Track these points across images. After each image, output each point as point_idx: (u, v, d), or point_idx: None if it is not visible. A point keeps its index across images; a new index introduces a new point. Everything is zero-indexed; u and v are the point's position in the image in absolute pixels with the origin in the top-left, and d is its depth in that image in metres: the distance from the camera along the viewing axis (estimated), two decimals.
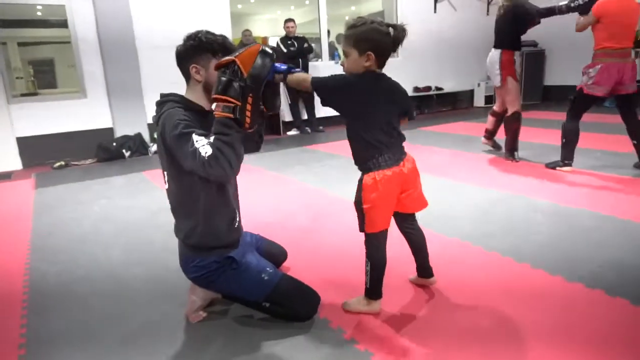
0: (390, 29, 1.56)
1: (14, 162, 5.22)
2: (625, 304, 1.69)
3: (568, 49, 8.22)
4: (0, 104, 5.06)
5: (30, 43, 8.88)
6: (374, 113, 1.61)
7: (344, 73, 1.63)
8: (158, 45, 5.74)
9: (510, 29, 4.01)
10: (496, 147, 4.55)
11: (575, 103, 3.70)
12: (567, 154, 3.70)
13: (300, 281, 1.75)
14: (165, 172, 1.63)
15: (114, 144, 5.50)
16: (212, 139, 1.42)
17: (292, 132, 6.78)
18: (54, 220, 3.17)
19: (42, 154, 5.33)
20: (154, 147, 5.74)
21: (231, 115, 1.42)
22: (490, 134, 4.54)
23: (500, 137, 4.40)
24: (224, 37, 1.64)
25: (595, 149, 4.38)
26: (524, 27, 4.05)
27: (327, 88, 1.61)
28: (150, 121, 5.78)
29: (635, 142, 3.59)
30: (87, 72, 5.50)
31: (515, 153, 4.14)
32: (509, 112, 4.11)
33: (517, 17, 3.93)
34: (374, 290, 1.72)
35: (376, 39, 1.54)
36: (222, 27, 6.25)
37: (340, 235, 2.54)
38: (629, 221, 2.49)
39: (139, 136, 5.69)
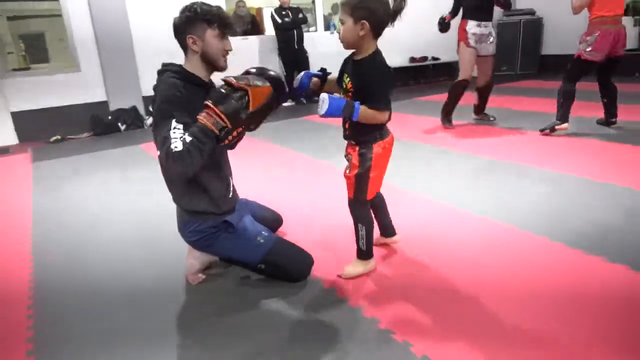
0: (391, 2, 1.56)
1: (10, 137, 5.23)
2: (600, 261, 1.78)
3: (566, 17, 8.13)
4: None
5: (19, 17, 8.72)
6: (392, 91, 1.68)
7: (382, 72, 1.61)
8: (151, 15, 5.68)
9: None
10: (487, 118, 4.63)
11: (572, 69, 3.83)
12: (563, 115, 3.82)
13: (294, 244, 1.83)
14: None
15: (109, 117, 5.51)
16: (187, 136, 1.45)
17: (288, 103, 6.78)
18: (53, 192, 3.23)
19: (38, 128, 5.32)
20: (149, 120, 5.75)
21: (217, 132, 1.48)
22: (478, 109, 4.63)
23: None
24: (219, 7, 1.66)
25: (588, 116, 4.42)
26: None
27: (388, 96, 1.63)
28: (145, 94, 5.79)
29: (605, 100, 3.93)
30: (80, 45, 5.44)
31: (450, 118, 4.42)
32: (458, 78, 4.35)
33: None
34: (369, 250, 1.80)
35: (373, 8, 1.53)
36: None
37: (332, 201, 2.61)
38: (614, 185, 2.57)
39: (134, 109, 5.69)
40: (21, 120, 5.25)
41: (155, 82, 1.67)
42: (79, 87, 5.52)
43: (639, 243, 1.91)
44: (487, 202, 2.47)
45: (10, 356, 1.46)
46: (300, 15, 6.45)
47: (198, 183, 1.66)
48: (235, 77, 1.55)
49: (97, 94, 5.63)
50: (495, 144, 3.73)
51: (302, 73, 1.82)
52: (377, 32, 1.59)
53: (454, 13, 4.45)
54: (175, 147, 1.43)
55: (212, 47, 1.61)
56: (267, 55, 6.76)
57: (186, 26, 1.61)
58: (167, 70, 1.64)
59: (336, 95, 1.58)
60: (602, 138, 3.63)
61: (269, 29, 6.88)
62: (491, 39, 4.30)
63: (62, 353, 1.47)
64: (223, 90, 1.52)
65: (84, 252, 2.20)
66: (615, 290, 1.60)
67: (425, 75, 8.42)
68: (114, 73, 5.60)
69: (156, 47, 5.72)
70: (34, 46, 8.90)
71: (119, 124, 5.49)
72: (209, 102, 1.49)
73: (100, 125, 5.43)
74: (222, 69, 1.68)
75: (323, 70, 1.82)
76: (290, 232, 2.19)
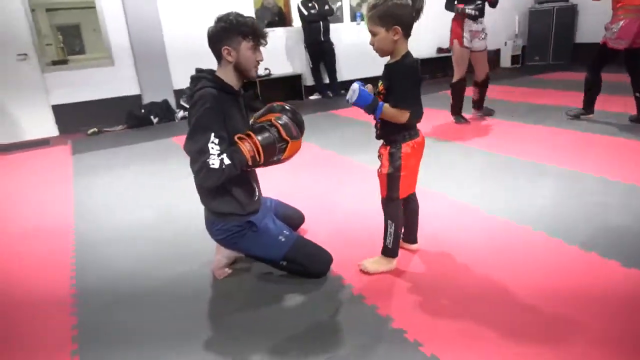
0: (413, 2, 1.63)
1: (51, 129, 5.53)
2: (615, 265, 1.81)
3: (602, 4, 7.85)
4: (35, 74, 5.32)
5: (56, 9, 9.04)
6: (420, 95, 1.78)
7: (411, 74, 1.71)
8: (182, 11, 5.84)
9: None
10: (488, 112, 4.61)
11: (596, 57, 3.94)
12: (588, 104, 3.95)
13: (314, 243, 1.93)
14: None
15: (142, 110, 5.73)
16: (225, 158, 1.62)
17: (314, 97, 6.86)
18: (92, 185, 3.44)
19: (76, 120, 5.61)
20: (180, 113, 5.95)
21: (250, 163, 1.69)
22: (478, 104, 4.60)
23: (514, 99, 4.38)
24: (253, 19, 1.75)
25: (615, 111, 4.32)
26: None
27: (409, 98, 1.71)
28: (176, 87, 5.98)
29: (638, 94, 3.83)
30: (114, 40, 5.66)
31: (461, 115, 4.42)
32: (454, 79, 4.35)
33: None
34: (394, 249, 1.88)
35: (398, 12, 1.62)
36: None
37: (355, 198, 2.71)
38: (633, 185, 2.55)
39: (165, 102, 5.89)
40: (61, 112, 5.54)
41: (189, 86, 1.79)
42: (113, 81, 5.76)
43: None
44: (502, 201, 2.51)
45: (57, 354, 1.60)
46: (327, 7, 6.47)
47: (226, 188, 1.77)
48: (282, 123, 1.75)
49: (130, 88, 5.86)
50: (514, 140, 3.72)
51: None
52: (407, 32, 1.68)
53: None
54: (213, 164, 1.59)
55: (245, 59, 1.73)
56: (293, 47, 6.84)
57: (221, 37, 1.71)
58: (202, 78, 1.74)
59: (367, 88, 1.71)
60: (628, 136, 3.56)
61: (297, 21, 6.94)
62: (483, 35, 4.30)
63: (104, 348, 1.62)
64: (271, 132, 1.73)
65: (119, 247, 2.37)
66: (629, 294, 1.63)
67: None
68: (146, 67, 5.81)
69: (186, 42, 5.91)
70: (70, 37, 9.24)
71: (152, 117, 5.70)
72: (257, 140, 1.68)
73: (133, 118, 5.66)
74: (253, 78, 1.81)
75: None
76: (311, 229, 2.30)
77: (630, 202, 2.37)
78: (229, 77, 1.77)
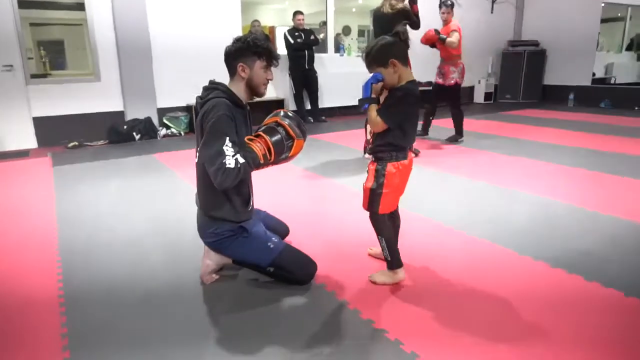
0: (396, 35, 1.82)
1: (31, 141, 5.47)
2: (579, 280, 1.96)
3: (569, 50, 8.44)
4: (19, 85, 5.31)
5: (41, 24, 9.05)
6: (413, 123, 1.94)
7: (410, 100, 1.85)
8: (171, 33, 5.98)
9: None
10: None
11: (458, 95, 5.17)
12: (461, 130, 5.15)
13: (300, 251, 2.02)
14: (197, 148, 1.89)
15: (125, 126, 5.75)
16: (239, 158, 1.74)
17: None
18: (75, 196, 3.44)
19: (57, 133, 5.57)
20: (162, 132, 5.99)
21: (262, 162, 1.83)
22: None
23: (489, 132, 4.61)
24: (267, 42, 1.90)
25: (583, 147, 4.62)
26: None
27: (392, 113, 1.84)
28: (160, 106, 6.05)
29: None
30: (102, 57, 5.72)
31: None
32: None
33: (408, 15, 4.18)
34: (394, 260, 1.95)
35: (389, 48, 1.81)
36: (233, 16, 6.47)
37: (337, 217, 2.81)
38: (596, 213, 2.75)
39: (148, 120, 5.93)
40: (41, 125, 5.50)
41: (200, 95, 1.90)
42: (98, 96, 5.78)
43: (615, 265, 2.09)
44: (478, 223, 2.66)
45: (48, 351, 1.63)
46: (312, 37, 6.73)
47: (226, 195, 1.87)
48: (288, 119, 1.91)
49: (114, 104, 5.89)
50: (490, 169, 3.93)
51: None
52: (404, 61, 1.84)
53: None
54: (229, 164, 1.71)
55: (257, 76, 1.88)
56: (277, 73, 7.02)
57: (238, 55, 1.86)
58: (216, 89, 1.86)
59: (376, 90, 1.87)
60: (591, 168, 3.82)
61: (281, 49, 7.17)
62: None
63: (94, 349, 1.64)
64: (278, 131, 1.88)
65: (106, 255, 2.38)
66: (591, 303, 1.77)
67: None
68: (132, 85, 5.87)
69: (173, 63, 6.03)
70: (53, 53, 9.23)
71: (134, 134, 5.73)
72: (267, 138, 1.83)
73: (115, 134, 5.67)
74: (261, 95, 1.95)
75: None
76: (295, 242, 2.37)
77: (594, 227, 2.55)
78: (240, 92, 1.90)
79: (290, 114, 1.97)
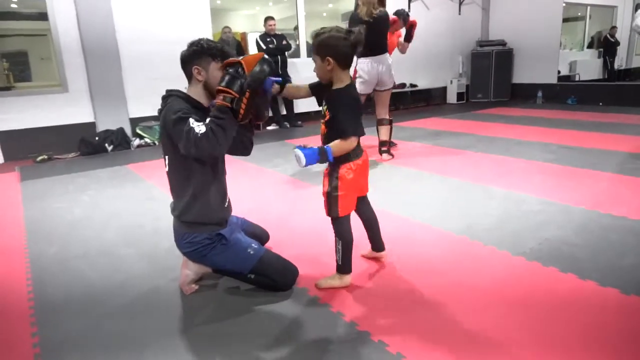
0: (349, 34, 1.78)
1: None
2: (554, 272, 2.00)
3: (534, 49, 8.69)
4: None
5: (2, 35, 8.78)
6: (360, 119, 1.90)
7: (349, 102, 1.82)
8: (139, 39, 5.88)
9: (385, 35, 4.34)
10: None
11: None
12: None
13: (281, 256, 2.00)
14: (166, 156, 1.86)
15: (97, 138, 5.61)
16: (207, 120, 1.67)
17: (272, 127, 7.00)
18: (45, 209, 3.33)
19: (24, 148, 5.40)
20: (136, 142, 5.88)
21: (229, 105, 1.68)
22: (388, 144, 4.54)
23: (462, 130, 4.69)
24: (222, 44, 1.89)
25: (553, 142, 4.75)
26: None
27: (352, 125, 1.81)
28: (132, 116, 5.94)
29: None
30: (69, 67, 5.57)
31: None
32: (388, 117, 4.47)
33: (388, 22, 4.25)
34: (345, 266, 1.95)
35: (333, 44, 1.77)
36: (203, 23, 6.41)
37: (314, 219, 2.79)
38: (568, 206, 2.83)
39: (121, 130, 5.81)
40: (7, 138, 5.32)
41: (160, 106, 1.86)
42: (66, 107, 5.63)
43: (588, 256, 2.15)
44: (455, 220, 2.69)
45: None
46: (284, 42, 6.73)
47: (201, 189, 1.83)
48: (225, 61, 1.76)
49: (84, 115, 5.74)
50: (464, 167, 4.00)
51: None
52: (343, 64, 1.81)
53: None
54: (200, 130, 1.63)
55: (214, 78, 1.84)
56: None
57: (193, 58, 1.84)
58: (172, 95, 1.84)
59: (307, 146, 1.78)
60: (561, 162, 3.92)
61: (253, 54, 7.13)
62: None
63: (67, 357, 1.59)
64: (225, 74, 1.70)
65: (80, 266, 2.32)
66: (566, 296, 1.81)
67: (403, 101, 8.78)
68: (101, 95, 5.74)
69: (143, 71, 5.93)
70: (16, 64, 8.95)
71: (106, 145, 5.60)
72: (218, 87, 1.68)
73: (87, 145, 5.53)
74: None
75: (284, 79, 2.03)
76: (275, 247, 2.36)
77: (568, 219, 2.62)
78: (198, 95, 1.88)
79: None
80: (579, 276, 1.95)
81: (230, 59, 1.73)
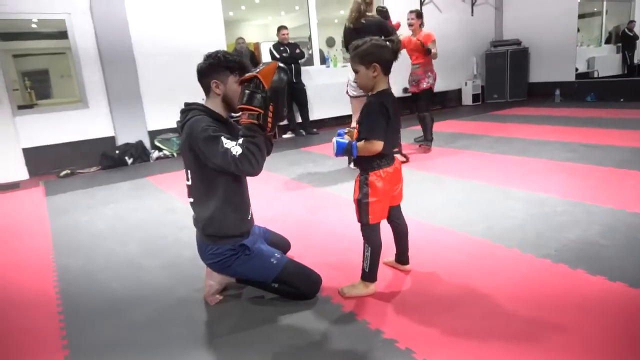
0: (388, 43, 1.84)
1: (21, 172, 5.42)
2: (582, 274, 1.96)
3: (550, 47, 8.57)
4: (6, 117, 5.28)
5: (24, 55, 9.05)
6: (393, 128, 1.90)
7: (376, 108, 1.83)
8: (155, 53, 5.99)
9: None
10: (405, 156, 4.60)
11: (428, 100, 4.99)
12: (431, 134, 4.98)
13: (304, 265, 2.00)
14: (188, 170, 1.88)
15: (117, 151, 5.72)
16: (240, 140, 1.69)
17: (287, 135, 7.03)
18: (70, 222, 3.40)
19: (48, 163, 5.54)
20: (155, 154, 5.97)
21: (256, 122, 1.70)
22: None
23: (476, 132, 4.63)
24: (239, 56, 1.90)
25: (573, 141, 4.67)
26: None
27: (378, 129, 1.82)
28: (150, 128, 6.04)
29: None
30: (88, 83, 5.71)
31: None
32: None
33: (381, 27, 4.10)
34: (372, 273, 1.94)
35: (377, 52, 1.81)
36: (217, 34, 6.50)
37: (334, 226, 2.80)
38: (592, 205, 2.77)
39: (140, 143, 5.91)
40: (32, 155, 5.47)
41: (179, 120, 1.88)
42: (87, 122, 5.77)
43: (617, 257, 2.10)
44: (476, 223, 2.66)
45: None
46: (298, 51, 6.78)
47: (224, 202, 1.84)
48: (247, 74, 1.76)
49: (104, 130, 5.87)
50: (482, 169, 3.95)
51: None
52: (386, 70, 1.86)
53: None
54: (236, 152, 1.67)
55: (232, 91, 1.86)
56: None
57: (210, 71, 1.85)
58: (192, 109, 1.86)
59: (345, 138, 1.89)
60: (582, 161, 3.85)
61: None
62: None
63: None
64: (244, 90, 1.72)
65: (105, 278, 2.36)
66: (597, 298, 1.77)
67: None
68: (121, 109, 5.86)
69: (161, 85, 6.03)
70: (38, 82, 9.20)
71: (126, 158, 5.70)
72: (240, 105, 1.72)
73: (108, 159, 5.64)
74: (238, 110, 1.90)
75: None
76: (296, 256, 2.36)
77: (593, 219, 2.56)
78: (217, 108, 1.90)
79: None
80: (608, 278, 1.91)
81: (246, 75, 1.74)
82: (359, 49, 1.83)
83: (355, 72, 1.87)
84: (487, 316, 1.71)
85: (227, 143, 1.69)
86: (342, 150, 1.84)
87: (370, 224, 1.89)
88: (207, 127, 1.74)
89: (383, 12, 4.32)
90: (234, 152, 1.66)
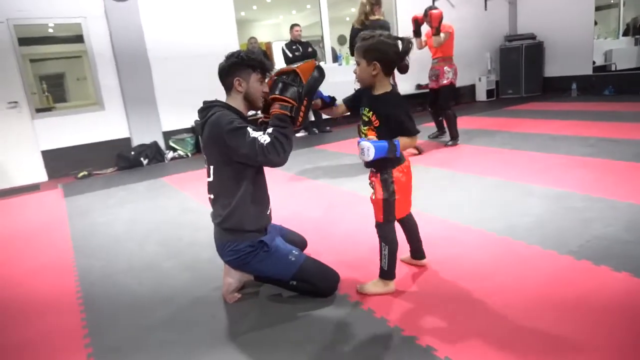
0: (398, 42, 1.80)
1: (40, 174, 5.53)
2: (607, 271, 1.92)
3: (566, 40, 8.43)
4: (25, 120, 5.38)
5: (41, 59, 9.20)
6: None
7: (402, 101, 1.84)
8: (169, 55, 6.05)
9: None
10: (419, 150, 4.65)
11: (449, 96, 4.98)
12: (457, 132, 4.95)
13: (321, 262, 2.00)
14: (211, 166, 1.89)
15: (132, 152, 5.79)
16: (270, 130, 1.73)
17: (301, 134, 7.04)
18: (89, 223, 3.45)
19: (66, 165, 5.64)
20: (170, 154, 6.03)
21: (288, 113, 1.73)
22: None
23: (492, 128, 4.58)
24: (261, 55, 1.91)
25: (591, 136, 4.59)
26: None
27: (412, 119, 1.82)
28: (165, 129, 6.09)
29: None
30: (104, 86, 5.79)
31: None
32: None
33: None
34: (390, 271, 1.92)
35: (382, 50, 1.77)
36: (229, 35, 6.53)
37: (350, 224, 2.79)
38: (614, 201, 2.71)
39: (155, 144, 5.97)
40: (50, 157, 5.56)
41: (197, 118, 1.89)
42: (103, 124, 5.85)
43: (634, 250, 2.06)
44: (495, 220, 2.63)
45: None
46: (310, 49, 6.77)
47: (247, 195, 1.85)
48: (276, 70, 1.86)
49: (120, 131, 5.94)
50: (499, 165, 3.90)
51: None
52: (387, 71, 1.82)
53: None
54: (264, 140, 1.70)
55: (254, 89, 1.88)
56: None
57: (233, 70, 1.87)
58: (214, 106, 1.87)
59: (370, 138, 1.79)
60: (601, 156, 3.77)
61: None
62: None
63: None
64: (280, 82, 1.77)
65: (125, 279, 2.39)
66: (622, 296, 1.74)
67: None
68: (136, 111, 5.93)
69: (175, 86, 6.08)
70: (55, 86, 9.35)
71: (142, 159, 5.76)
72: (274, 95, 1.75)
73: (124, 160, 5.71)
74: (259, 108, 1.94)
75: (331, 98, 2.07)
76: (313, 254, 2.35)
77: (615, 215, 2.51)
78: (238, 105, 1.91)
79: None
80: (633, 274, 1.86)
81: (283, 68, 1.78)
82: (365, 42, 1.80)
83: (357, 63, 1.85)
84: (510, 315, 1.69)
85: (254, 133, 1.72)
86: (384, 151, 1.71)
87: (389, 222, 1.88)
88: (233, 120, 1.76)
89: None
90: (262, 141, 1.69)
